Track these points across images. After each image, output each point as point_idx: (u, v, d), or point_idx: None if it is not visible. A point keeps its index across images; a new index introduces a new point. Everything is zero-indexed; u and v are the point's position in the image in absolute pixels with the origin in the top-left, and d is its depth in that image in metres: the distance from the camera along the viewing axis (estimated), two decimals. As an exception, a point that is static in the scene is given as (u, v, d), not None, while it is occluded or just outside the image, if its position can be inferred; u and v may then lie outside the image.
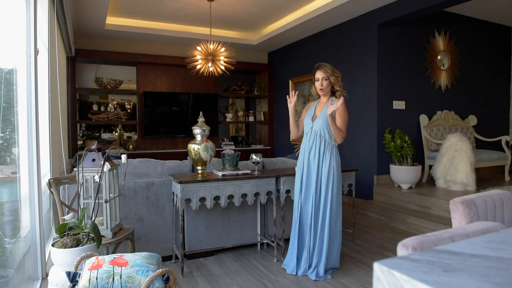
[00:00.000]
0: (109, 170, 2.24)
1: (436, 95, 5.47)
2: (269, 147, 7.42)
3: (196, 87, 6.83)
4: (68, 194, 2.84)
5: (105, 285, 1.55)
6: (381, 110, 4.94)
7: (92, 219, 2.07)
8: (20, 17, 2.43)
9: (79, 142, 6.21)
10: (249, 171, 3.19)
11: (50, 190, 2.50)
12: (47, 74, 3.15)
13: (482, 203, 1.70)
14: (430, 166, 5.06)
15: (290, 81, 6.81)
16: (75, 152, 5.72)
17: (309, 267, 2.88)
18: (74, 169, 2.61)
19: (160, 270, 1.59)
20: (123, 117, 6.52)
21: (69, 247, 1.97)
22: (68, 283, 1.68)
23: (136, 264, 1.66)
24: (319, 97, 3.06)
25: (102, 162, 2.21)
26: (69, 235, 2.05)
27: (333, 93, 3.00)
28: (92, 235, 2.02)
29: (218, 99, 6.97)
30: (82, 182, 2.22)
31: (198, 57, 4.87)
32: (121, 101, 7.06)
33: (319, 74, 2.94)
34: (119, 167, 2.64)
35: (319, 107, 3.01)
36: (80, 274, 1.67)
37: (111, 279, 1.56)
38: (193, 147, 3.11)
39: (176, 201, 2.98)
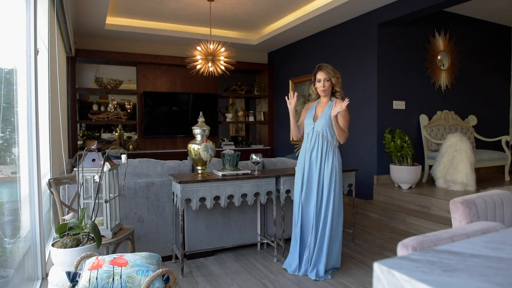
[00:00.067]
0: (109, 170, 2.24)
1: (436, 95, 5.47)
2: (269, 147, 7.42)
3: (196, 87, 6.83)
4: (68, 194, 2.84)
5: (105, 285, 1.55)
6: (381, 110, 4.94)
7: (92, 219, 2.07)
8: (20, 17, 2.43)
9: (79, 142, 6.21)
10: (249, 171, 3.19)
11: (50, 190, 2.50)
12: (47, 74, 3.15)
13: (482, 203, 1.70)
14: (430, 166, 5.06)
15: (290, 81, 6.81)
16: (75, 152, 5.72)
17: (310, 266, 2.88)
18: (74, 169, 2.61)
19: (160, 270, 1.59)
20: (123, 117, 6.52)
21: (69, 247, 1.97)
22: (68, 283, 1.68)
23: (136, 264, 1.66)
24: (319, 97, 3.06)
25: (102, 162, 2.21)
26: (69, 235, 2.05)
27: (332, 93, 3.00)
28: (92, 235, 2.02)
29: (218, 99, 6.97)
30: (82, 182, 2.22)
31: (198, 57, 4.87)
32: (121, 101, 7.06)
33: (321, 75, 2.93)
34: (119, 167, 2.64)
35: (319, 108, 3.01)
36: (80, 274, 1.67)
37: (111, 279, 1.56)
38: (193, 147, 3.11)
39: (176, 201, 2.98)
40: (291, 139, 6.79)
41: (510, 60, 6.51)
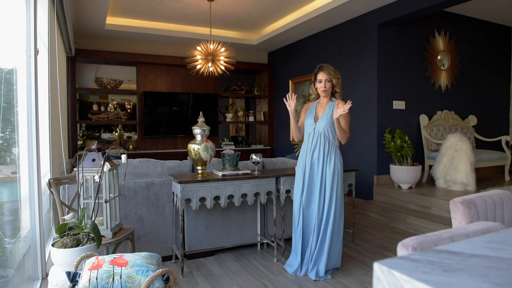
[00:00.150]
0: (109, 170, 2.24)
1: (436, 95, 5.47)
2: (269, 147, 7.42)
3: (196, 87, 6.83)
4: (68, 194, 2.84)
5: (105, 285, 1.55)
6: (381, 110, 4.94)
7: (92, 219, 2.07)
8: (20, 17, 2.43)
9: (79, 142, 6.21)
10: (249, 171, 3.19)
11: (50, 190, 2.50)
12: (47, 74, 3.15)
13: (482, 203, 1.70)
14: (430, 166, 5.06)
15: (290, 81, 6.82)
16: (75, 152, 5.72)
17: (310, 266, 2.87)
18: (74, 169, 2.61)
19: (160, 270, 1.59)
20: (123, 117, 6.52)
21: (69, 247, 1.97)
22: (68, 283, 1.68)
23: (136, 264, 1.66)
24: (318, 97, 3.06)
25: (102, 162, 2.21)
26: (69, 235, 2.05)
27: (332, 94, 3.00)
28: (92, 235, 2.02)
29: (218, 99, 6.97)
30: (82, 182, 2.22)
31: (198, 57, 4.87)
32: (121, 101, 7.05)
33: (322, 76, 2.93)
34: (119, 167, 2.64)
35: (320, 108, 3.00)
36: (80, 274, 1.67)
37: (111, 279, 1.56)
38: (193, 147, 3.11)
39: (176, 201, 2.98)
40: (291, 139, 6.79)
41: (510, 60, 6.51)
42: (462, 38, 5.76)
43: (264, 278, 2.86)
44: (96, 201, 2.16)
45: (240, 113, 7.49)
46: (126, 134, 7.01)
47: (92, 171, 2.25)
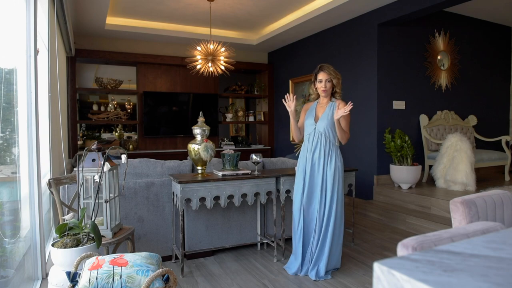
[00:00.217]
0: (109, 170, 2.24)
1: (436, 95, 5.47)
2: (269, 147, 7.42)
3: (196, 87, 6.83)
4: (68, 194, 2.84)
5: (105, 285, 1.55)
6: (381, 110, 4.94)
7: (92, 219, 2.07)
8: (20, 17, 2.43)
9: (79, 142, 6.21)
10: (249, 171, 3.19)
11: (50, 190, 2.50)
12: (47, 74, 3.15)
13: (482, 203, 1.70)
14: (430, 166, 5.06)
15: (290, 81, 6.82)
16: (75, 152, 5.72)
17: (311, 266, 2.87)
18: (74, 169, 2.61)
19: (160, 270, 1.59)
20: (123, 117, 6.52)
21: (69, 247, 1.97)
22: (68, 283, 1.68)
23: (136, 264, 1.66)
24: (318, 97, 3.06)
25: (102, 162, 2.21)
26: (69, 235, 2.05)
27: (332, 94, 3.00)
28: (92, 235, 2.02)
29: (218, 99, 6.97)
30: (82, 182, 2.22)
31: (198, 57, 4.87)
32: (121, 101, 7.05)
33: (322, 76, 2.93)
34: (119, 167, 2.64)
35: (320, 108, 3.00)
36: (80, 274, 1.67)
37: (111, 279, 1.56)
38: (193, 147, 3.11)
39: (176, 201, 2.98)
40: (291, 139, 6.79)
41: (510, 60, 6.51)
42: (462, 38, 5.76)
43: (264, 278, 2.86)
44: (96, 201, 2.16)
45: (240, 113, 7.49)
46: (126, 134, 7.01)
47: (92, 171, 2.25)
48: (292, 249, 3.01)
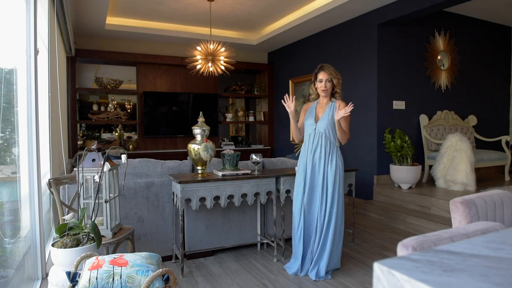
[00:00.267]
0: (109, 170, 2.24)
1: (436, 95, 5.47)
2: (269, 147, 7.42)
3: (196, 87, 6.83)
4: (68, 194, 2.84)
5: (105, 285, 1.55)
6: (381, 110, 4.94)
7: (92, 219, 2.07)
8: (20, 17, 2.43)
9: (79, 142, 6.21)
10: (249, 171, 3.19)
11: (50, 190, 2.50)
12: (47, 74, 3.15)
13: (482, 203, 1.70)
14: (430, 166, 5.06)
15: (290, 81, 6.82)
16: (75, 152, 5.72)
17: (311, 266, 2.87)
18: (74, 169, 2.61)
19: (160, 270, 1.59)
20: (123, 117, 6.53)
21: (69, 247, 1.97)
22: (68, 283, 1.68)
23: (136, 264, 1.66)
24: (318, 97, 3.05)
25: (102, 162, 2.21)
26: (69, 235, 2.05)
27: (332, 94, 3.00)
28: (92, 235, 2.02)
29: (218, 99, 6.97)
30: (82, 182, 2.22)
31: (198, 57, 4.87)
32: (121, 101, 7.06)
33: (322, 75, 2.92)
34: (119, 167, 2.64)
35: (320, 108, 2.99)
36: (80, 274, 1.67)
37: (111, 279, 1.56)
38: (193, 147, 3.11)
39: (176, 201, 2.98)
40: (291, 139, 6.79)
41: (510, 60, 6.51)
42: (462, 38, 5.76)
43: (264, 278, 2.86)
44: (96, 201, 2.16)
45: (240, 113, 7.49)
46: (126, 134, 7.01)
47: (92, 171, 2.25)
48: (292, 251, 2.99)
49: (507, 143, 5.41)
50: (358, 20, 5.17)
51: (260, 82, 7.56)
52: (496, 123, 6.25)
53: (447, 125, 5.40)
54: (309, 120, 2.98)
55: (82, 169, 2.23)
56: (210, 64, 4.88)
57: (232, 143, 7.25)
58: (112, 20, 5.56)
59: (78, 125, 6.36)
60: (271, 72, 7.42)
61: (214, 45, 4.78)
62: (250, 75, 7.94)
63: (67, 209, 2.60)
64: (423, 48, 5.33)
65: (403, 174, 4.67)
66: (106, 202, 2.24)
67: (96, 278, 1.56)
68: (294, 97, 3.02)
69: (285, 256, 3.23)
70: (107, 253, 2.22)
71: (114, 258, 1.69)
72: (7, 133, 2.28)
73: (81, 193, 2.22)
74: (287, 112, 3.00)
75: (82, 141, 6.36)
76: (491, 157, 5.13)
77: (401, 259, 0.64)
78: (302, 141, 3.11)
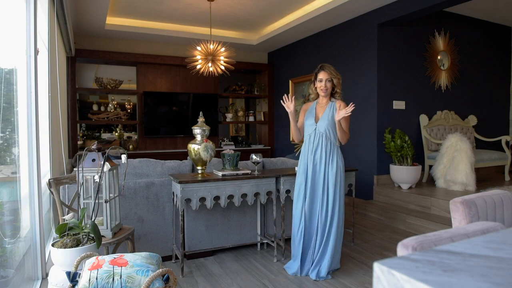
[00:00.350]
0: (109, 170, 2.24)
1: (436, 95, 5.47)
2: (269, 147, 7.42)
3: (196, 87, 6.83)
4: (68, 194, 2.84)
5: (105, 285, 1.55)
6: (381, 110, 4.94)
7: (92, 219, 2.07)
8: (20, 17, 2.43)
9: (79, 142, 6.21)
10: (249, 171, 3.19)
11: (50, 190, 2.50)
12: (47, 74, 3.15)
13: (482, 203, 1.70)
14: (430, 166, 5.06)
15: (290, 81, 6.82)
16: (75, 152, 5.72)
17: (312, 267, 2.87)
18: (74, 169, 2.61)
19: (160, 270, 1.59)
20: (123, 117, 6.53)
21: (69, 247, 1.97)
22: (68, 283, 1.68)
23: (136, 264, 1.66)
24: (317, 97, 3.05)
25: (102, 162, 2.21)
26: (69, 235, 2.05)
27: (332, 94, 3.00)
28: (92, 235, 2.02)
29: (218, 99, 6.97)
30: (82, 182, 2.22)
31: (198, 57, 4.87)
32: (121, 101, 7.06)
33: (323, 75, 2.92)
34: (119, 167, 2.64)
35: (319, 108, 2.99)
36: (80, 274, 1.67)
37: (111, 279, 1.56)
38: (193, 147, 3.11)
39: (176, 201, 2.98)
40: (291, 139, 6.79)
41: (510, 60, 6.51)
42: (462, 38, 5.76)
43: (264, 278, 2.86)
44: (96, 201, 2.16)
45: (240, 113, 7.49)
46: (126, 134, 7.01)
47: (92, 171, 2.25)
48: (291, 252, 2.98)
49: (507, 143, 5.41)
50: (358, 20, 5.17)
51: (260, 82, 7.56)
52: (496, 123, 6.25)
53: (447, 125, 5.40)
54: (309, 120, 2.98)
55: (82, 169, 2.23)
56: (210, 64, 4.88)
57: (232, 143, 7.25)
58: (112, 20, 5.56)
59: (78, 125, 6.36)
60: (271, 72, 7.42)
61: (214, 45, 4.78)
62: (250, 75, 7.94)
63: (67, 209, 2.60)
64: (423, 48, 5.33)
65: (403, 174, 4.67)
66: (106, 202, 2.24)
67: (96, 278, 1.56)
68: (293, 97, 3.01)
69: (285, 256, 3.23)
70: (107, 253, 2.22)
71: (114, 258, 1.69)
72: (7, 133, 2.28)
73: (81, 193, 2.22)
74: (287, 112, 3.00)
75: (82, 141, 6.36)
76: (491, 157, 5.13)
77: (401, 259, 0.64)
78: (302, 141, 3.10)
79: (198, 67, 4.94)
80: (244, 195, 3.11)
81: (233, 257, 3.31)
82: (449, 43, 5.59)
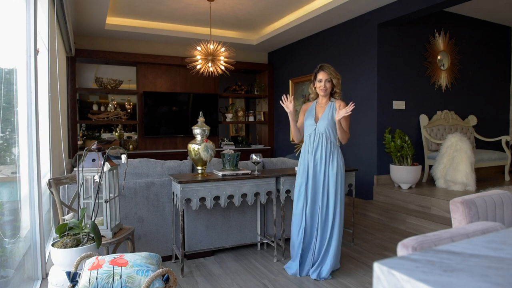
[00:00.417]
0: (109, 170, 2.24)
1: (436, 95, 5.47)
2: (269, 147, 7.42)
3: (196, 87, 6.83)
4: (68, 194, 2.84)
5: (105, 285, 1.55)
6: (381, 110, 4.94)
7: (92, 219, 2.07)
8: (20, 17, 2.43)
9: (79, 142, 6.21)
10: (249, 171, 3.19)
11: (50, 190, 2.50)
12: (47, 74, 3.15)
13: (482, 203, 1.70)
14: (430, 166, 5.06)
15: (290, 81, 6.82)
16: (75, 152, 5.72)
17: (312, 266, 2.86)
18: (74, 169, 2.61)
19: (160, 270, 1.59)
20: (123, 117, 6.53)
21: (69, 247, 1.97)
22: (68, 283, 1.68)
23: (136, 264, 1.66)
24: (317, 97, 3.05)
25: (102, 162, 2.21)
26: (69, 235, 2.05)
27: (331, 94, 2.99)
28: (92, 235, 2.02)
29: (218, 99, 6.97)
30: (82, 182, 2.22)
31: (198, 57, 4.87)
32: (121, 101, 7.06)
33: (322, 75, 2.91)
34: (119, 167, 2.64)
35: (319, 108, 2.99)
36: (80, 274, 1.67)
37: (111, 279, 1.56)
38: (193, 147, 3.11)
39: (176, 201, 2.98)
40: (291, 139, 6.79)
41: (510, 60, 6.51)
42: (462, 38, 5.76)
43: (264, 278, 2.86)
44: (96, 201, 2.16)
45: (240, 113, 7.49)
46: (126, 134, 7.01)
47: (92, 171, 2.25)
48: (291, 253, 2.97)
49: (507, 143, 5.41)
50: (358, 20, 5.17)
51: (260, 82, 7.56)
52: (496, 123, 6.25)
53: (447, 125, 5.40)
54: (309, 120, 2.97)
55: (82, 169, 2.23)
56: (210, 64, 4.88)
57: (232, 143, 7.25)
58: (112, 20, 5.56)
59: (78, 125, 6.36)
60: (271, 72, 7.42)
61: (214, 45, 4.78)
62: (250, 75, 7.94)
63: (67, 209, 2.60)
64: (423, 48, 5.33)
65: (403, 174, 4.67)
66: (106, 202, 2.24)
67: (96, 278, 1.56)
68: (292, 97, 3.01)
69: (285, 256, 3.23)
70: (107, 253, 2.22)
71: (114, 258, 1.69)
72: (7, 133, 2.28)
73: (81, 193, 2.22)
74: (287, 112, 3.00)
75: (82, 141, 6.36)
76: (491, 157, 5.13)
77: (401, 259, 0.64)
78: (302, 141, 3.10)
79: (198, 67, 4.94)
80: (244, 195, 3.11)
81: (233, 257, 3.31)
82: (449, 43, 5.59)
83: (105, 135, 7.02)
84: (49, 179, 2.49)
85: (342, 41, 5.49)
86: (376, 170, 4.97)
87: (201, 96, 6.80)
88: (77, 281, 1.65)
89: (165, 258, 3.18)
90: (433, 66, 5.41)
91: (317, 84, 2.95)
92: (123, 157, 2.34)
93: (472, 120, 5.75)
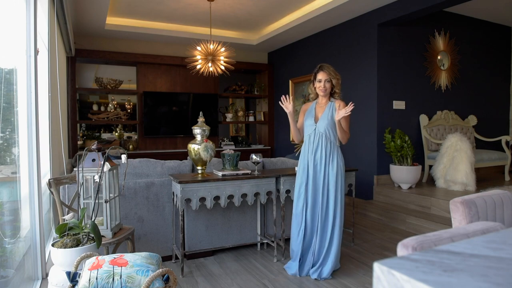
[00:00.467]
0: (109, 170, 2.24)
1: (436, 95, 5.47)
2: (269, 147, 7.42)
3: (196, 87, 6.83)
4: (68, 194, 2.84)
5: (105, 285, 1.55)
6: (381, 110, 4.94)
7: (92, 219, 2.07)
8: (20, 17, 2.43)
9: (79, 142, 6.21)
10: (249, 171, 3.19)
11: (50, 190, 2.50)
12: (47, 74, 3.15)
13: (482, 203, 1.70)
14: (430, 166, 5.06)
15: (290, 81, 6.82)
16: (75, 152, 5.72)
17: (312, 267, 2.86)
18: (74, 169, 2.61)
19: (160, 270, 1.59)
20: (123, 117, 6.53)
21: (69, 247, 1.97)
22: (68, 283, 1.68)
23: (136, 264, 1.66)
24: (317, 97, 3.05)
25: (102, 162, 2.21)
26: (69, 235, 2.05)
27: (331, 94, 2.99)
28: (92, 235, 2.02)
29: (218, 99, 6.97)
30: (82, 182, 2.22)
31: (198, 57, 4.87)
32: (121, 101, 7.06)
33: (322, 75, 2.91)
34: (119, 167, 2.64)
35: (319, 108, 2.99)
36: (80, 274, 1.67)
37: (111, 279, 1.56)
38: (193, 147, 3.11)
39: (176, 201, 2.98)
40: (291, 139, 6.79)
41: (510, 60, 6.51)
42: (462, 38, 5.76)
43: (264, 278, 2.85)
44: (96, 201, 2.16)
45: (240, 113, 7.49)
46: (126, 134, 7.01)
47: (92, 171, 2.25)
48: (291, 253, 2.97)
49: (507, 143, 5.41)
50: (358, 20, 5.17)
51: (260, 82, 7.56)
52: (496, 123, 6.25)
53: (447, 125, 5.40)
54: (308, 121, 2.97)
55: (82, 169, 2.23)
56: (210, 64, 4.88)
57: (232, 143, 7.25)
58: (112, 20, 5.56)
59: (78, 125, 6.36)
60: (271, 72, 7.42)
61: (214, 45, 4.78)
62: (250, 75, 7.94)
63: (67, 209, 2.60)
64: (423, 48, 5.33)
65: (403, 174, 4.67)
66: (106, 202, 2.24)
67: (96, 278, 1.56)
68: (292, 97, 3.01)
69: (285, 256, 3.23)
70: (107, 253, 2.22)
71: (114, 258, 1.69)
72: (7, 133, 2.28)
73: (81, 193, 2.22)
74: (286, 112, 3.00)
75: (82, 141, 6.36)
76: (491, 157, 5.13)
77: (401, 259, 0.64)
78: (302, 142, 3.10)
79: (198, 67, 4.94)
80: (244, 195, 3.11)
81: (233, 257, 3.31)
82: (449, 43, 5.59)
83: (105, 135, 7.02)
84: (49, 179, 2.49)
85: (342, 41, 5.49)
86: (376, 170, 4.97)
87: (201, 96, 6.80)
88: (77, 281, 1.65)
89: (165, 258, 3.18)
90: (433, 66, 5.41)
91: (317, 84, 2.95)
92: (123, 157, 2.34)
93: (472, 120, 5.75)
